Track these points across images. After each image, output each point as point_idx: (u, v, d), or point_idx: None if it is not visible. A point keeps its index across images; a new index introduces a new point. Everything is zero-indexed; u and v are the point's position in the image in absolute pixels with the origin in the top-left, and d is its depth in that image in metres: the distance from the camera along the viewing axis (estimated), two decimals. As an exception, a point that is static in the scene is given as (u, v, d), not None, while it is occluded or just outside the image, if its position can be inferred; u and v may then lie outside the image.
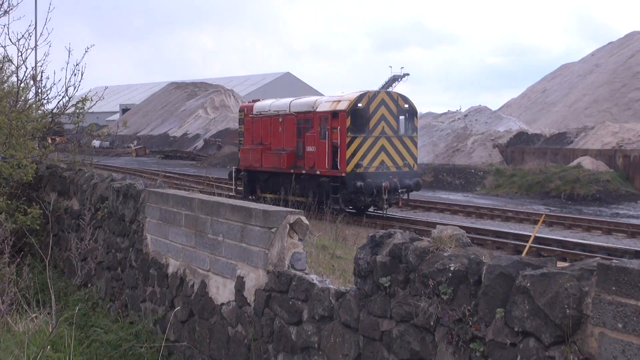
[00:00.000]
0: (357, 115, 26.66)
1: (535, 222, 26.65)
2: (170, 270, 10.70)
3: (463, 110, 68.42)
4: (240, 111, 34.39)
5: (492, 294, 5.62)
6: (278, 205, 27.03)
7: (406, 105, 27.55)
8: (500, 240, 22.85)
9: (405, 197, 27.94)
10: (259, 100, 34.29)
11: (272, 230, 8.27)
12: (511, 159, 49.09)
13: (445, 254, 6.26)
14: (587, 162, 41.51)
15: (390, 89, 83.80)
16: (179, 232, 10.47)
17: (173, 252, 10.66)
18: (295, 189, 28.49)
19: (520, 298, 5.36)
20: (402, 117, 27.48)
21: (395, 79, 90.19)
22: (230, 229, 9.09)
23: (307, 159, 28.16)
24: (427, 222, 26.00)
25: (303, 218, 8.29)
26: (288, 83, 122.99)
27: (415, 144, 27.79)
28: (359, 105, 26.67)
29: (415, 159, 27.75)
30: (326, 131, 27.18)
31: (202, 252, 9.76)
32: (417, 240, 6.76)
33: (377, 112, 26.91)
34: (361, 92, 27.46)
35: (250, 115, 32.48)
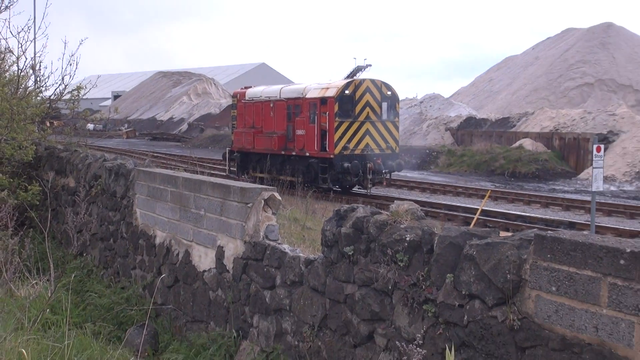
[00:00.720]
0: (345, 101, 26.12)
1: (483, 196, 26.83)
2: (158, 241, 10.62)
3: (419, 97, 68.48)
4: (233, 97, 33.50)
5: (442, 261, 5.65)
6: (271, 184, 26.78)
7: (389, 93, 27.04)
8: (451, 213, 22.98)
9: (388, 177, 27.49)
10: (250, 87, 33.22)
11: (249, 205, 8.23)
12: (461, 140, 49.34)
13: (402, 226, 6.27)
14: (527, 144, 41.82)
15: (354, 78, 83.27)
16: (165, 206, 10.38)
17: (160, 225, 10.57)
18: (286, 169, 28.09)
19: (467, 265, 5.40)
20: (385, 103, 26.92)
21: (359, 69, 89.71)
22: (211, 204, 9.02)
23: (297, 142, 27.55)
24: (387, 197, 26.07)
25: (276, 194, 8.25)
26: (263, 72, 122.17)
27: (397, 128, 27.30)
28: (346, 92, 26.14)
29: (397, 142, 27.23)
30: (315, 116, 26.58)
31: (186, 225, 9.68)
32: (377, 213, 6.75)
33: (362, 99, 26.37)
34: (348, 80, 27.03)
35: (242, 101, 31.74)
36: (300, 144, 27.36)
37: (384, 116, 26.93)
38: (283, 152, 28.25)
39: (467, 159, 41.92)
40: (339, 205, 7.28)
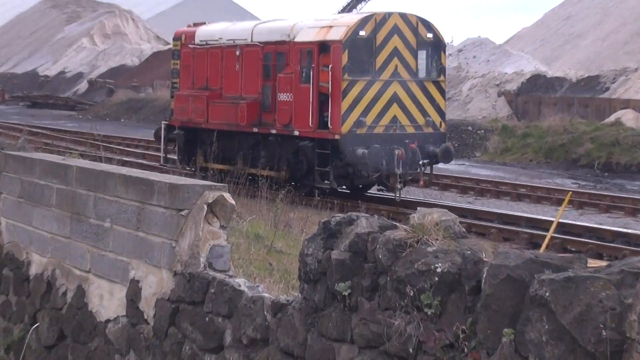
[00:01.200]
0: (359, 49, 25.74)
1: (559, 202, 26.81)
2: (34, 270, 10.59)
3: (456, 43, 68.81)
4: (174, 39, 33.12)
5: (496, 308, 5.59)
6: (234, 182, 26.23)
7: (429, 35, 26.63)
8: (509, 228, 22.94)
9: (428, 171, 26.96)
10: (203, 23, 32.85)
11: (183, 213, 8.20)
12: (523, 112, 49.51)
13: (429, 249, 6.18)
14: (629, 118, 41.99)
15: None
16: (49, 214, 10.38)
17: (38, 244, 10.56)
18: (260, 157, 27.72)
19: (536, 314, 5.33)
20: (423, 52, 26.70)
21: (358, 1, 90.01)
22: (122, 210, 9.02)
23: (279, 113, 27.10)
24: (406, 202, 26.04)
25: (227, 195, 8.22)
26: (213, 4, 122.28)
27: (442, 92, 27.12)
28: (361, 33, 25.58)
29: (442, 114, 26.98)
30: (310, 71, 26.08)
31: (81, 245, 9.68)
32: (390, 228, 6.67)
33: (387, 45, 25.89)
34: (365, 14, 26.83)
35: (190, 46, 31.32)
36: (285, 117, 27.01)
37: (422, 73, 26.63)
38: (256, 130, 28.04)
39: (533, 142, 42.05)
40: (327, 214, 7.25)
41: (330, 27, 26.31)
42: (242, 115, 28.13)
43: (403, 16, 26.51)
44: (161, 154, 32.42)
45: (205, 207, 8.15)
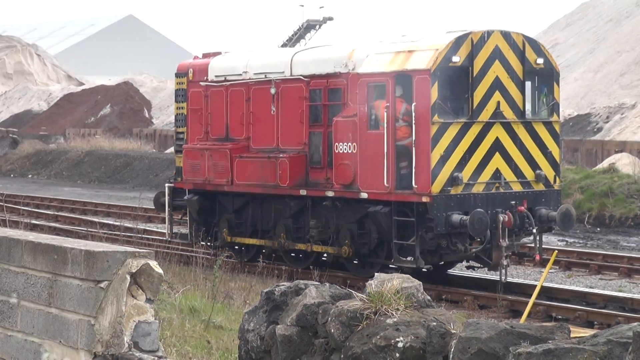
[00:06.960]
0: (453, 80, 22.99)
1: (543, 263, 26.74)
2: None
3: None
4: (178, 76, 29.87)
5: (466, 387, 5.49)
6: (271, 261, 25.60)
7: (539, 61, 24.03)
8: (485, 294, 22.89)
9: (537, 240, 24.44)
10: (219, 53, 29.64)
11: (102, 285, 8.12)
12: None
13: (389, 320, 6.24)
14: (624, 163, 42.06)
15: (303, 44, 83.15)
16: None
17: None
18: (310, 228, 25.64)
19: (511, 392, 5.31)
20: (530, 84, 24.29)
21: (310, 27, 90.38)
22: (30, 283, 8.88)
23: (337, 170, 24.32)
24: (512, 285, 25.53)
25: (153, 263, 8.18)
26: (131, 32, 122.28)
27: (556, 136, 24.54)
28: (455, 59, 22.79)
29: (557, 166, 24.56)
30: (384, 112, 23.07)
31: (-17, 325, 9.54)
32: (344, 298, 6.76)
33: (487, 74, 23.19)
34: (457, 34, 23.60)
35: (201, 84, 28.28)
36: (346, 175, 24.08)
37: (530, 111, 24.26)
38: (303, 192, 25.52)
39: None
40: (275, 283, 7.24)
41: (411, 51, 23.43)
42: (283, 173, 25.39)
43: (506, 36, 23.94)
44: (166, 227, 29.32)
45: (129, 277, 8.09)
